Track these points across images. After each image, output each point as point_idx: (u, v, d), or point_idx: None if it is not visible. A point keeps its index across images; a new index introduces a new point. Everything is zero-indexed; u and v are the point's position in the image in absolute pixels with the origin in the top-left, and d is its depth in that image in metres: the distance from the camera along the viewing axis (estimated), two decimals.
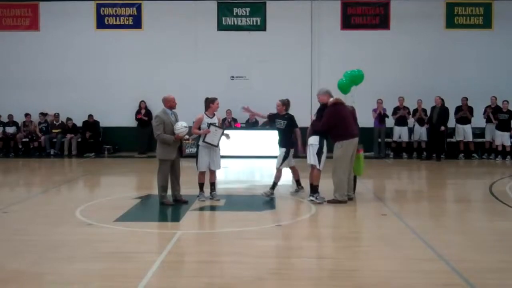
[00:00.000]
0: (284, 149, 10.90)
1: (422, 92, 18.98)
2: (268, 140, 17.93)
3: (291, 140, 11.03)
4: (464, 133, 18.55)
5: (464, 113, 18.48)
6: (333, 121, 10.18)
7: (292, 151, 11.01)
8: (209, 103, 10.55)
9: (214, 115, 10.58)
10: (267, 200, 10.70)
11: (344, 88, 11.30)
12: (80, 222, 8.81)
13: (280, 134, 11.07)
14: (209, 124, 10.34)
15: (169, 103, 10.18)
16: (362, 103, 11.73)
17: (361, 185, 11.88)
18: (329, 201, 10.28)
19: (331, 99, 10.39)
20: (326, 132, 10.31)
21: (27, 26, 20.68)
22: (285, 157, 10.87)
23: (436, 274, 6.20)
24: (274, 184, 10.94)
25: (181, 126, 9.95)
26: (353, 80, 11.39)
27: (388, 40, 20.11)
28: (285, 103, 11.07)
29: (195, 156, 10.70)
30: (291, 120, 10.93)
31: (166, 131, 9.93)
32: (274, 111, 11.31)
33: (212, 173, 10.71)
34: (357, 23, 20.32)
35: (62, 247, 7.33)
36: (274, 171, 11.03)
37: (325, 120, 10.24)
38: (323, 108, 10.47)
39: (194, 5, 20.33)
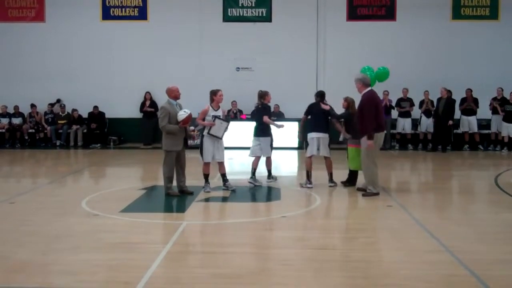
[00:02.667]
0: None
1: (428, 84, 18.89)
2: (274, 132, 17.92)
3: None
4: (469, 124, 18.49)
5: (469, 105, 18.40)
6: (370, 109, 10.09)
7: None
8: (212, 95, 10.57)
9: (219, 107, 10.57)
10: (272, 191, 10.71)
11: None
12: (86, 213, 8.85)
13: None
14: (214, 117, 10.34)
15: (173, 94, 10.17)
16: None
17: None
18: (364, 195, 10.21)
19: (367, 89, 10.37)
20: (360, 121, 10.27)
21: (33, 17, 20.69)
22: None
23: (441, 265, 6.20)
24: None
25: (182, 113, 9.95)
26: (378, 77, 11.35)
27: (394, 31, 20.02)
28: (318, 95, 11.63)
29: (198, 147, 10.73)
30: None
31: (171, 122, 9.92)
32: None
33: (221, 165, 10.71)
34: (363, 14, 20.24)
35: (68, 238, 7.36)
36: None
37: (369, 111, 10.09)
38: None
39: None
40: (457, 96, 18.35)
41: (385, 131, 10.64)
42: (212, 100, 10.56)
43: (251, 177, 11.44)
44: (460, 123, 18.69)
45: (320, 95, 11.49)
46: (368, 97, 10.23)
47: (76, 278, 5.81)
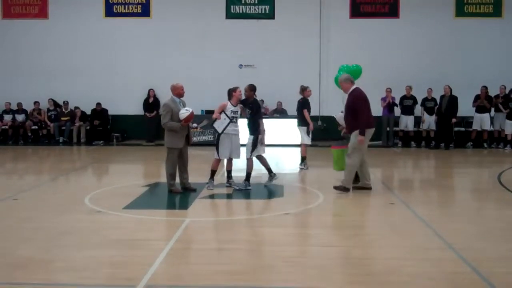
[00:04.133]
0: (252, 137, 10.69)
1: (431, 81, 18.88)
2: (275, 129, 17.93)
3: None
4: (482, 122, 18.43)
5: (481, 102, 18.34)
6: (362, 106, 10.06)
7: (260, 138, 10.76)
8: (232, 92, 10.60)
9: (237, 104, 10.59)
10: (275, 188, 10.71)
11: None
12: (89, 210, 8.85)
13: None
14: (224, 112, 10.39)
15: (177, 91, 10.17)
16: (370, 91, 11.61)
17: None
18: (335, 187, 10.24)
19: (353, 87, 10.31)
20: (358, 117, 10.10)
21: (36, 14, 20.73)
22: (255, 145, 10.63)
23: (444, 263, 6.19)
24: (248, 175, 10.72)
25: (184, 111, 9.92)
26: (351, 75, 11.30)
27: (397, 29, 20.01)
28: (252, 89, 10.89)
29: (207, 144, 10.69)
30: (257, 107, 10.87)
31: (174, 119, 9.92)
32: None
33: (229, 161, 10.73)
34: (366, 12, 20.22)
35: (71, 234, 7.37)
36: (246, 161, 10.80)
37: (362, 107, 10.06)
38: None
39: None
40: (459, 93, 18.27)
41: (373, 128, 10.49)
42: (231, 97, 10.57)
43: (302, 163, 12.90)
44: (473, 120, 18.61)
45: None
46: (358, 94, 10.23)
47: (79, 274, 5.81)
